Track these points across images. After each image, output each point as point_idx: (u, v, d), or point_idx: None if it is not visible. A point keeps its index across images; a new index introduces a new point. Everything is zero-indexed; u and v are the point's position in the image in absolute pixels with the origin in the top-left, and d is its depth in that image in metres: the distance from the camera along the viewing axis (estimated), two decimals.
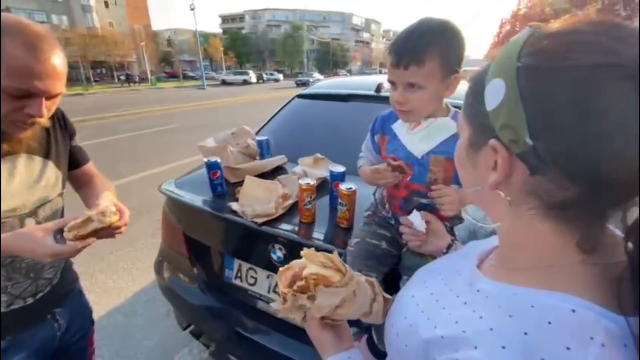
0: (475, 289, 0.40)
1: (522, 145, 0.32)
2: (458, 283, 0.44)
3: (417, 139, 0.85)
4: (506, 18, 28.55)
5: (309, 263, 0.54)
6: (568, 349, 0.28)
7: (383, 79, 1.91)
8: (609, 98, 0.28)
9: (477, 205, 0.45)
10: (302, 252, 0.55)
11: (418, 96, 0.78)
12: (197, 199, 1.34)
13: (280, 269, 0.56)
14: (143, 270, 2.52)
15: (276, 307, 0.54)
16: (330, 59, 66.37)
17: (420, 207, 0.87)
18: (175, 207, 1.42)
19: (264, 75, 37.93)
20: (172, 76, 45.90)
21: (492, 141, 0.35)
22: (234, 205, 1.18)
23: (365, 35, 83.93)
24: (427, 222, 0.82)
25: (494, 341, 0.32)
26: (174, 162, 5.14)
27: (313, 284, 0.51)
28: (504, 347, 0.31)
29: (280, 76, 40.36)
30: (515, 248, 0.39)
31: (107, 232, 0.78)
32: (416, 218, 0.80)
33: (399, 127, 0.89)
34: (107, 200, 0.84)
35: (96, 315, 1.14)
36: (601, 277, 0.32)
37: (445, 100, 0.86)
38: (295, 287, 0.52)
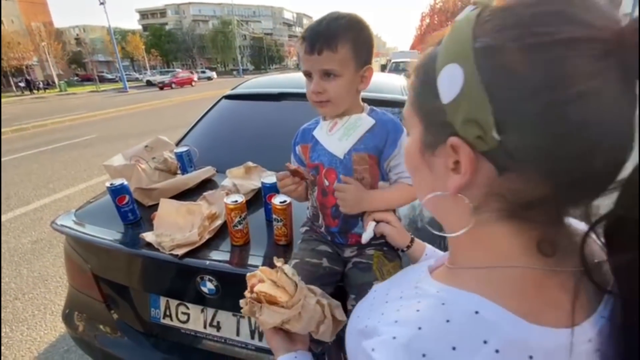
0: (414, 286, 0.39)
1: (489, 141, 0.27)
2: (409, 283, 0.42)
3: (337, 138, 0.81)
4: (425, 12, 30.77)
5: (265, 278, 0.58)
6: (454, 348, 0.27)
7: None
8: (589, 79, 0.24)
9: (432, 214, 0.40)
10: (259, 268, 0.60)
11: (334, 85, 0.75)
12: (103, 232, 1.11)
13: (248, 274, 0.60)
14: (59, 313, 2.10)
15: (240, 304, 0.59)
16: (265, 55, 64.98)
17: (352, 214, 0.81)
18: (78, 245, 1.17)
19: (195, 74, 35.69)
20: (87, 80, 40.74)
21: (452, 139, 0.30)
22: (148, 236, 0.99)
23: (298, 30, 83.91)
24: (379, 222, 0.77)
25: (390, 332, 0.32)
26: (91, 180, 4.47)
27: (263, 298, 0.55)
28: (394, 338, 0.30)
29: (214, 74, 38.38)
30: (465, 249, 0.36)
31: None
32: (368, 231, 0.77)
33: (319, 132, 0.85)
34: None
35: None
36: (548, 284, 0.30)
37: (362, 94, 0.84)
38: (252, 295, 0.56)
